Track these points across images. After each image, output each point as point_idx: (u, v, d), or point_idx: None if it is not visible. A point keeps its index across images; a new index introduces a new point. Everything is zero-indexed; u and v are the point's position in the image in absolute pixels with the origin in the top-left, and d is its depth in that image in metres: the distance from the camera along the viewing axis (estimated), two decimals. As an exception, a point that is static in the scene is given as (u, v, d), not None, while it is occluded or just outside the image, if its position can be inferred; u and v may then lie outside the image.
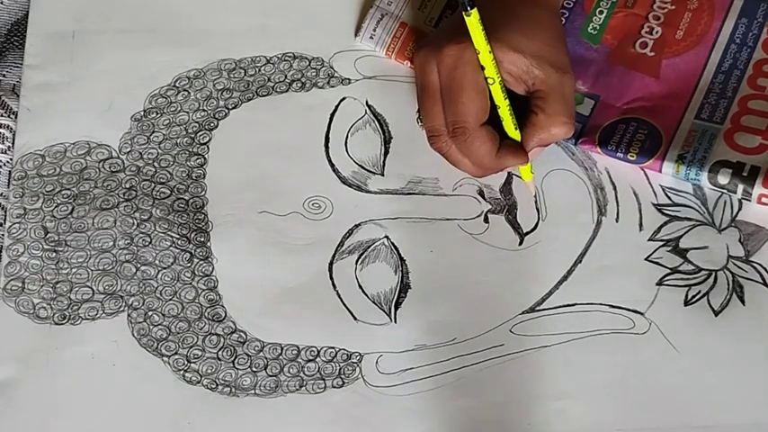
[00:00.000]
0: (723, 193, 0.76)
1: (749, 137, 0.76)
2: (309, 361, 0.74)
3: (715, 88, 0.78)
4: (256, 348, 0.74)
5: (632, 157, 0.77)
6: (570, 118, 0.73)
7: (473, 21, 0.69)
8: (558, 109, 0.73)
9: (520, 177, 0.77)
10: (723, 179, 0.75)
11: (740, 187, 0.75)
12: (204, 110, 0.81)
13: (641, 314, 0.74)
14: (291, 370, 0.73)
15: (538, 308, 0.75)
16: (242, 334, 0.74)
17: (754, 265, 0.75)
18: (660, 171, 0.77)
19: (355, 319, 0.75)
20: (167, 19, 0.83)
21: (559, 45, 0.74)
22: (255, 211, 0.78)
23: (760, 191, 0.74)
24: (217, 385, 0.73)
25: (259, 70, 0.82)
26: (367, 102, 0.81)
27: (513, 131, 0.74)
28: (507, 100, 0.72)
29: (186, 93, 0.81)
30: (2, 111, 0.80)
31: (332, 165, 0.79)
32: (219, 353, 0.74)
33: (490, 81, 0.71)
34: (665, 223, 0.77)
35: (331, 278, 0.76)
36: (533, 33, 0.73)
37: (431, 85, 0.73)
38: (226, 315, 0.75)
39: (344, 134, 0.80)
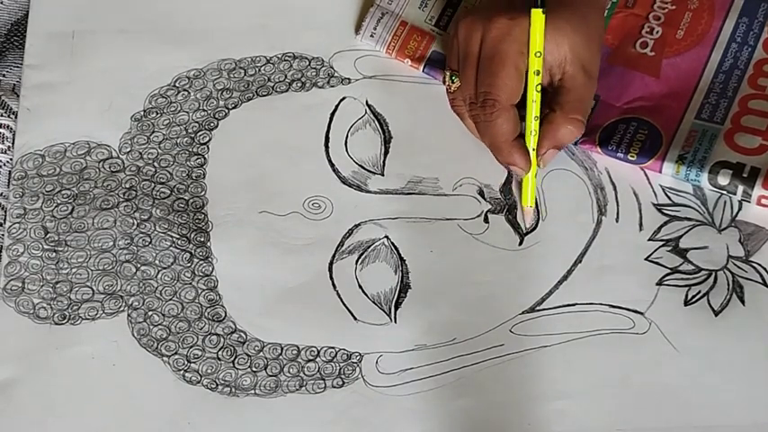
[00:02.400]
0: (723, 194, 0.76)
1: (749, 137, 0.76)
2: (309, 361, 0.74)
3: (715, 88, 0.78)
4: (256, 348, 0.74)
5: (632, 157, 0.77)
6: (584, 119, 0.74)
7: (538, 16, 0.70)
8: (576, 108, 0.73)
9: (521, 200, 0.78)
10: (723, 180, 0.75)
11: (740, 188, 0.75)
12: (204, 110, 0.81)
13: (641, 314, 0.74)
14: (291, 370, 0.73)
15: (538, 308, 0.75)
16: (242, 334, 0.74)
17: (754, 265, 0.75)
18: (660, 171, 0.76)
19: (355, 319, 0.75)
20: (167, 19, 0.83)
21: (596, 49, 0.75)
22: (255, 211, 0.78)
23: (760, 192, 0.74)
24: (217, 385, 0.73)
25: (259, 70, 0.82)
26: (367, 101, 0.81)
27: (530, 138, 0.74)
28: (538, 103, 0.73)
29: (186, 93, 0.81)
30: (2, 111, 0.80)
31: (332, 165, 0.79)
32: (219, 353, 0.74)
33: (531, 77, 0.72)
34: (665, 223, 0.77)
35: (331, 278, 0.76)
36: (579, 27, 0.73)
37: (472, 53, 0.74)
38: (226, 315, 0.75)
39: (344, 134, 0.80)
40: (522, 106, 0.74)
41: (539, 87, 0.73)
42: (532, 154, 0.75)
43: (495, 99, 0.72)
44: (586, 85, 0.74)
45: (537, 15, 0.71)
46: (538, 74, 0.72)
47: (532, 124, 0.74)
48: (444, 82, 0.78)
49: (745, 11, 0.81)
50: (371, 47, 0.82)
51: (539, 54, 0.71)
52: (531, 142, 0.75)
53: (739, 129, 0.76)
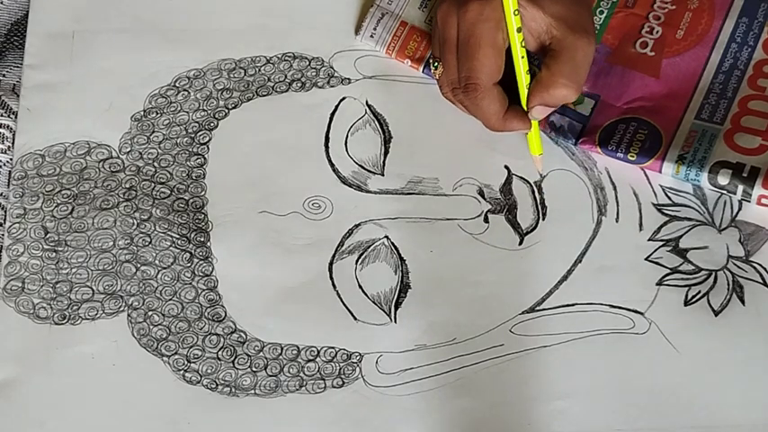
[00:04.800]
0: (723, 193, 0.76)
1: (749, 137, 0.76)
2: (309, 361, 0.74)
3: (715, 88, 0.78)
4: (256, 348, 0.74)
5: (632, 157, 0.77)
6: (573, 82, 0.73)
7: None
8: (564, 70, 0.73)
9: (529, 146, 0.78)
10: (723, 180, 0.75)
11: (740, 188, 0.75)
12: (204, 110, 0.81)
13: (641, 314, 0.74)
14: (291, 370, 0.73)
15: (538, 308, 0.75)
16: (242, 334, 0.74)
17: (754, 265, 0.75)
18: (660, 171, 0.77)
19: (355, 319, 0.75)
20: (167, 19, 0.83)
21: (581, 8, 0.74)
22: (255, 211, 0.78)
23: (760, 192, 0.74)
24: (217, 385, 0.73)
25: (259, 70, 0.82)
26: (367, 102, 0.81)
27: (523, 93, 0.74)
28: (525, 59, 0.73)
29: (186, 93, 0.81)
30: (2, 111, 0.80)
31: (332, 165, 0.79)
32: (219, 353, 0.74)
33: (513, 35, 0.72)
34: (665, 223, 0.77)
35: (331, 278, 0.76)
36: None
37: (451, 38, 0.74)
38: (226, 315, 0.75)
39: (344, 134, 0.80)
40: (511, 70, 0.74)
41: (523, 43, 0.72)
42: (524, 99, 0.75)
43: (475, 83, 0.73)
44: (576, 44, 0.72)
45: None
46: (519, 31, 0.72)
47: (524, 81, 0.74)
48: (431, 70, 0.78)
49: (745, 11, 0.81)
50: (371, 47, 0.82)
51: (516, 12, 0.71)
52: (523, 94, 0.74)
53: (739, 129, 0.76)
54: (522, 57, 0.73)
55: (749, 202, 0.76)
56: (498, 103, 0.74)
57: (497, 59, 0.72)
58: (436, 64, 0.77)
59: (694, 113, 0.78)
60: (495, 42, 0.72)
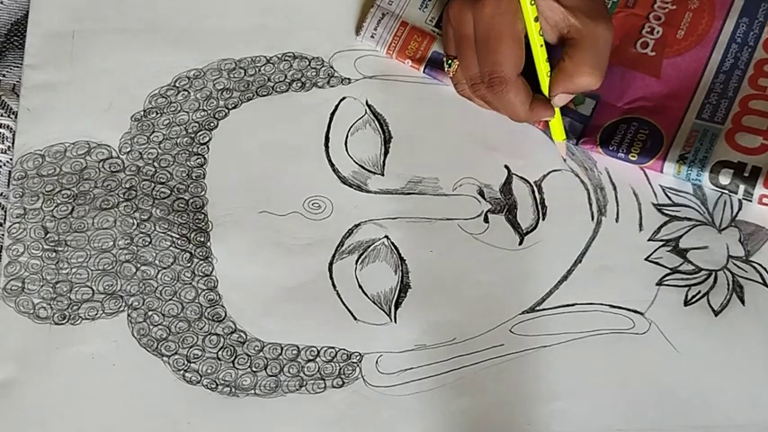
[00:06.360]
0: (724, 193, 0.76)
1: (750, 137, 0.76)
2: (309, 361, 0.74)
3: (716, 88, 0.78)
4: (256, 348, 0.74)
5: (633, 157, 0.77)
6: (596, 69, 0.73)
7: None
8: (586, 58, 0.73)
9: (552, 139, 0.78)
10: (724, 180, 0.75)
11: (741, 188, 0.75)
12: (204, 110, 0.81)
13: (641, 314, 0.74)
14: (291, 370, 0.73)
15: (538, 308, 0.75)
16: (242, 334, 0.74)
17: (754, 265, 0.75)
18: (661, 171, 0.76)
19: (355, 319, 0.75)
20: (167, 19, 0.83)
21: None
22: (255, 211, 0.78)
23: (761, 191, 0.74)
24: (217, 385, 0.73)
25: (259, 70, 0.82)
26: (367, 101, 0.81)
27: (545, 81, 0.74)
28: (544, 47, 0.73)
29: (186, 93, 0.81)
30: (2, 111, 0.80)
31: (332, 165, 0.79)
32: (219, 353, 0.74)
33: (530, 25, 0.72)
34: (665, 223, 0.77)
35: (331, 278, 0.76)
36: None
37: (467, 34, 0.74)
38: (226, 315, 0.75)
39: (344, 134, 0.80)
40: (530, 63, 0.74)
41: (541, 32, 0.72)
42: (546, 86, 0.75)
43: (500, 76, 0.73)
44: (596, 31, 0.73)
45: None
46: (537, 20, 0.72)
47: (544, 69, 0.74)
48: (444, 69, 0.78)
49: (746, 11, 0.80)
50: (372, 48, 0.82)
51: (533, 2, 0.71)
52: (547, 88, 0.74)
53: (740, 128, 0.76)
54: (541, 45, 0.73)
55: (750, 201, 0.76)
56: (524, 94, 0.74)
57: (519, 50, 0.73)
58: (450, 62, 0.77)
59: (695, 113, 0.78)
60: (516, 34, 0.72)
